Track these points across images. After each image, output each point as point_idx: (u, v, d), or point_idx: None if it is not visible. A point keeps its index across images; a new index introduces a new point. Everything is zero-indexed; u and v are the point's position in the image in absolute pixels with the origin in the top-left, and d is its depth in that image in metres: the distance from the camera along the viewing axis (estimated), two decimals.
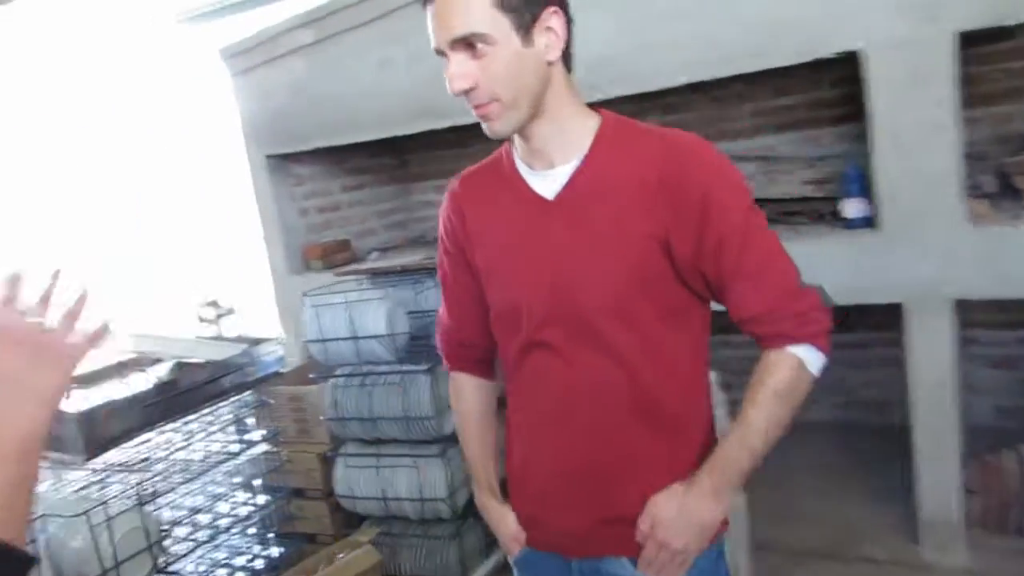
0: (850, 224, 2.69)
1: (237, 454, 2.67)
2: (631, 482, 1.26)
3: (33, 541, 1.46)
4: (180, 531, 2.50)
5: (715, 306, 1.28)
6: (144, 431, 2.38)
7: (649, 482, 1.25)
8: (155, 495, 2.25)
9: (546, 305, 1.24)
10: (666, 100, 3.57)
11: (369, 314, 2.75)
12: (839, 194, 2.82)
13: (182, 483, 2.44)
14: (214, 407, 2.63)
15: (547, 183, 1.25)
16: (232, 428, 2.72)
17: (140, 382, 2.46)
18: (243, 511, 2.69)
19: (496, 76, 1.13)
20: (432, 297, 2.94)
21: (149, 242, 5.32)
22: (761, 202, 2.99)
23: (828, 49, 2.47)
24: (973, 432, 2.92)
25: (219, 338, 2.79)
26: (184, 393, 2.47)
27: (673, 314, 1.23)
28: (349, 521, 2.84)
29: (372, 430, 2.79)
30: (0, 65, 5.07)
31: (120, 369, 2.56)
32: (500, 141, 1.27)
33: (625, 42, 2.75)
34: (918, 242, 2.47)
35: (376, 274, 3.11)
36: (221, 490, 2.66)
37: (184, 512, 2.51)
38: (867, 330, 3.60)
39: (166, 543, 2.44)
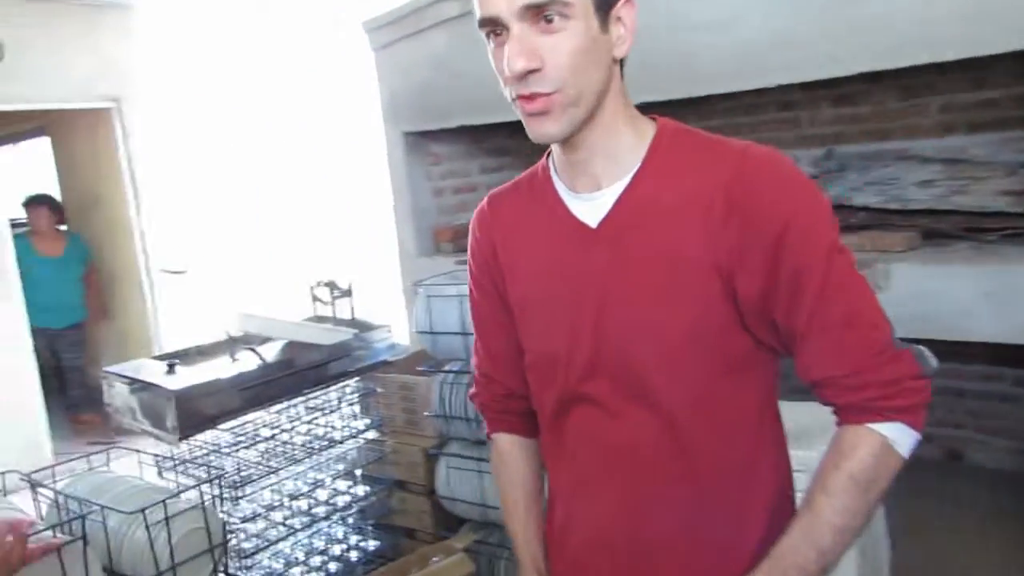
0: None
1: (340, 441, 2.61)
2: (677, 563, 1.04)
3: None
4: (276, 515, 2.48)
5: None
6: (245, 412, 2.35)
7: (698, 565, 1.03)
8: (243, 483, 2.21)
9: (589, 354, 1.03)
10: (840, 90, 3.16)
11: None
12: None
13: (279, 467, 2.40)
14: (320, 391, 2.57)
15: (591, 206, 1.03)
16: (336, 414, 2.66)
17: (247, 361, 2.43)
18: (342, 500, 2.63)
19: (566, 60, 0.91)
20: None
21: (274, 220, 5.43)
22: (943, 214, 2.60)
23: None
24: None
25: (331, 320, 2.73)
26: (290, 375, 2.42)
27: (737, 367, 1.01)
28: (449, 521, 2.71)
29: (477, 431, 2.63)
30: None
31: (231, 345, 2.54)
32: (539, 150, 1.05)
33: (802, 26, 2.40)
34: None
35: None
36: (321, 476, 2.62)
37: (281, 497, 2.48)
38: None
39: (257, 527, 2.41)
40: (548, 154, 1.12)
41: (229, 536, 1.76)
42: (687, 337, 0.98)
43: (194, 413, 2.12)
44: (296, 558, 2.54)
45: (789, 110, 3.41)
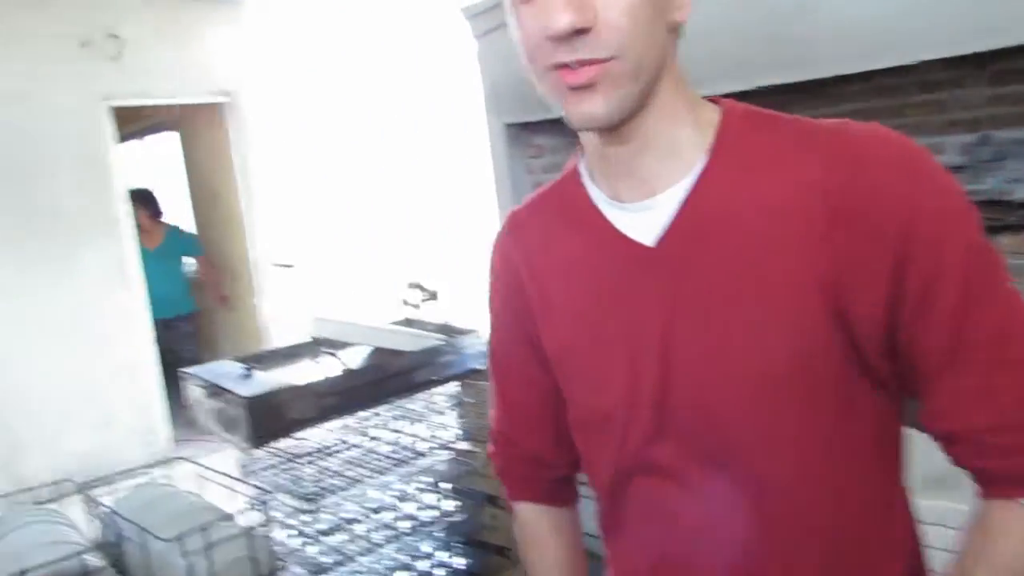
0: None
1: (425, 453, 2.47)
2: None
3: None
4: (358, 528, 2.37)
5: None
6: (325, 420, 2.24)
7: None
8: (317, 495, 2.09)
9: (652, 410, 0.79)
10: (996, 66, 2.75)
11: None
12: None
13: (360, 479, 2.28)
14: (406, 399, 2.44)
15: (644, 219, 0.79)
16: (423, 424, 2.52)
17: (328, 366, 2.32)
18: (429, 514, 2.50)
19: (625, 18, 0.69)
20: None
21: (373, 215, 5.36)
22: None
23: None
24: None
25: (419, 323, 2.58)
26: (372, 383, 2.29)
27: (847, 416, 0.75)
28: None
29: None
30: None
31: (314, 348, 2.44)
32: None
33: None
34: None
35: None
36: (407, 489, 2.49)
37: (363, 509, 2.36)
38: None
39: (337, 540, 2.30)
40: (577, 152, 0.88)
41: (280, 563, 1.63)
42: (784, 380, 0.74)
43: (268, 420, 2.02)
44: (379, 573, 2.42)
45: (932, 91, 3.01)
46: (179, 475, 1.73)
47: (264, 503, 1.51)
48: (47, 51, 4.26)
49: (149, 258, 5.12)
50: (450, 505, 2.55)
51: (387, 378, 2.31)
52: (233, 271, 5.58)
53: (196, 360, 5.43)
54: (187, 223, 5.95)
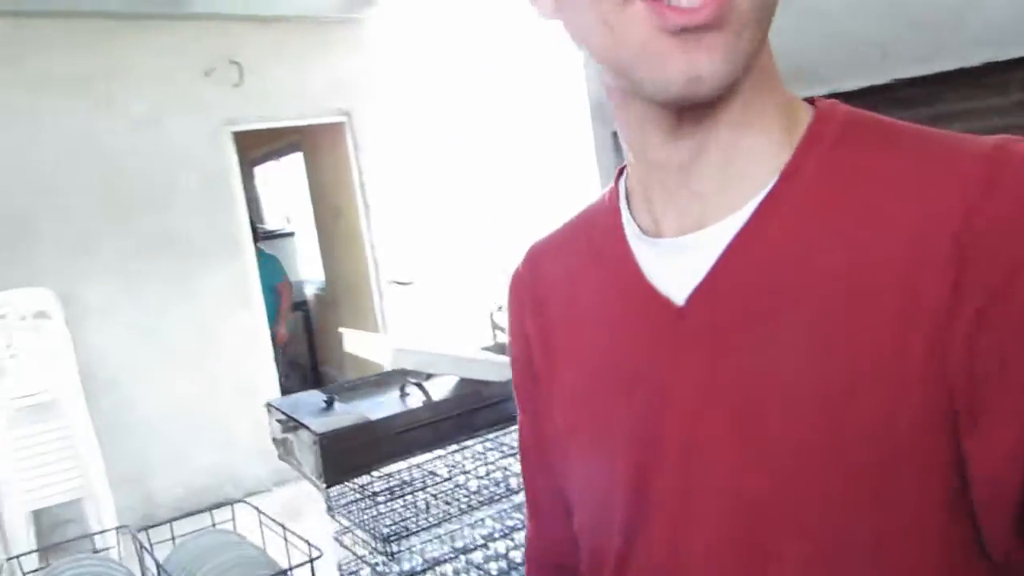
0: None
1: (519, 490, 2.30)
2: None
3: None
4: (446, 569, 2.23)
5: None
6: (408, 455, 2.13)
7: None
8: (398, 536, 1.97)
9: (666, 533, 0.57)
10: None
11: None
12: None
13: (445, 518, 2.14)
14: (496, 432, 2.29)
15: (681, 265, 0.57)
16: (514, 458, 2.35)
17: (413, 398, 2.20)
18: (521, 554, 2.33)
19: None
20: None
21: (479, 232, 5.24)
22: None
23: None
24: None
25: (503, 350, 2.42)
26: (456, 416, 2.16)
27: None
28: None
29: None
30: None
31: (401, 378, 2.32)
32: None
33: None
34: None
35: None
36: (499, 527, 2.33)
37: (451, 549, 2.22)
38: None
39: None
40: (620, 173, 0.67)
41: None
42: (864, 496, 0.50)
43: (341, 457, 1.92)
44: None
45: None
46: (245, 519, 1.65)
47: (311, 562, 1.38)
48: (173, 80, 4.44)
49: None
50: None
51: (474, 410, 2.17)
52: (355, 288, 5.63)
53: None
54: (312, 242, 6.09)
